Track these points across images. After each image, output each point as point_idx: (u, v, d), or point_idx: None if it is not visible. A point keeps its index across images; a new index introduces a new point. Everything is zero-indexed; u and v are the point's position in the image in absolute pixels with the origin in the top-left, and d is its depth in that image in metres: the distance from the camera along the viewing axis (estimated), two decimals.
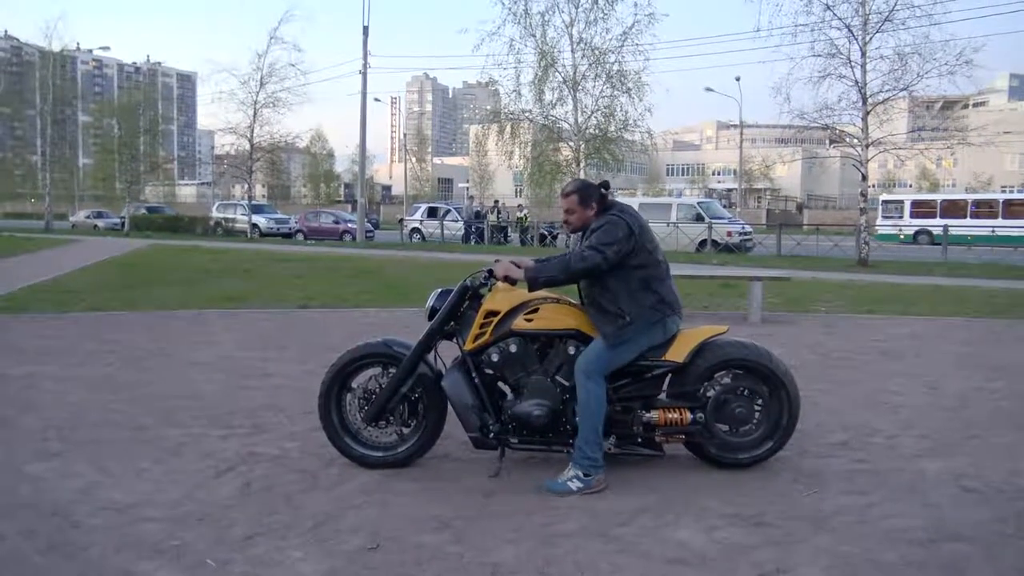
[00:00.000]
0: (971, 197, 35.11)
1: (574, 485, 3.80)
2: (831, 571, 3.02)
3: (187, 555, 3.15)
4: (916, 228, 31.62)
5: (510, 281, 3.94)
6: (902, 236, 30.86)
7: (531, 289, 3.90)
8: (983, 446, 4.61)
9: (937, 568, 3.04)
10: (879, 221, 31.43)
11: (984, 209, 31.54)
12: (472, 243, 29.46)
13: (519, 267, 3.93)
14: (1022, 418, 5.23)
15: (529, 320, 3.96)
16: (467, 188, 72.03)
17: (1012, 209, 30.94)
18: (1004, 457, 4.40)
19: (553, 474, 3.97)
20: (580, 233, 4.16)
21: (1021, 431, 4.91)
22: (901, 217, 32.66)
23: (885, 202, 34.91)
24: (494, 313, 3.97)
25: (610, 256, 3.83)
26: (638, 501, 3.72)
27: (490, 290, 4.05)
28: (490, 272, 4.03)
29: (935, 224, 31.56)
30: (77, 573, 3.00)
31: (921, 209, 33.41)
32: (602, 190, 4.07)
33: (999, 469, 4.20)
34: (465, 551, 3.20)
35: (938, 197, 36.53)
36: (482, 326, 3.98)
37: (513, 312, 3.97)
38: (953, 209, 32.32)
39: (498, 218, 31.52)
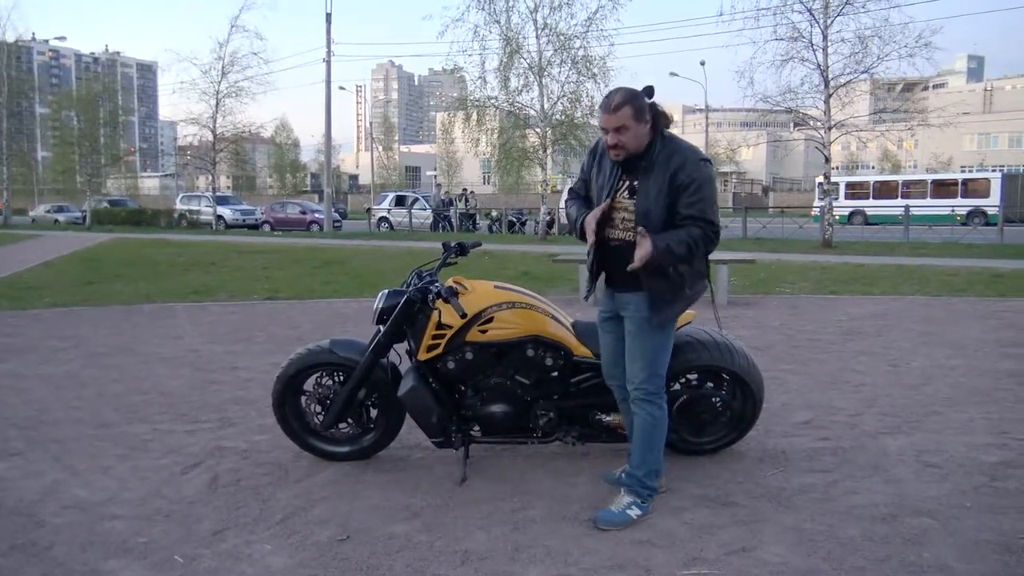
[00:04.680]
0: (902, 178, 36.03)
1: (634, 513, 3.34)
2: (796, 548, 3.08)
3: (154, 552, 3.12)
4: (850, 209, 32.19)
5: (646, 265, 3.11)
6: (837, 217, 31.61)
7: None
8: (943, 422, 4.71)
9: (899, 543, 3.11)
10: (815, 202, 31.92)
11: (914, 189, 32.30)
12: (441, 231, 29.35)
13: (646, 251, 3.08)
14: (981, 394, 5.34)
15: (484, 331, 3.77)
16: (435, 176, 71.73)
17: (939, 189, 31.80)
18: (963, 432, 4.50)
19: (535, 468, 3.96)
20: (616, 169, 3.33)
21: (980, 407, 5.03)
22: (836, 198, 33.35)
23: (820, 184, 35.65)
24: (447, 326, 3.78)
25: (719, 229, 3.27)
26: (606, 485, 3.73)
27: (435, 303, 3.77)
28: (437, 294, 3.73)
29: (868, 205, 32.27)
30: (42, 573, 2.95)
31: (855, 190, 34.10)
32: (645, 97, 3.25)
33: (959, 444, 4.29)
34: (435, 539, 3.21)
35: (871, 179, 37.38)
36: (435, 337, 3.78)
37: (466, 325, 3.79)
38: (885, 190, 33.15)
39: (466, 205, 31.44)
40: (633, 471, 3.44)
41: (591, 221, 3.29)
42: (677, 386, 4.07)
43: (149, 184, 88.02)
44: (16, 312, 9.64)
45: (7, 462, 4.18)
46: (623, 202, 3.33)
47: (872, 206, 32.28)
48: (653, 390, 3.38)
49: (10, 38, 37.50)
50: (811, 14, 18.63)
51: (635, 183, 3.28)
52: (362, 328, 6.86)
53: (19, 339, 7.78)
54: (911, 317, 8.64)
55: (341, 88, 58.18)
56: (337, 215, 34.72)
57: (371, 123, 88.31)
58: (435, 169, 78.30)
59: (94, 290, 11.71)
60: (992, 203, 28.54)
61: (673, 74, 53.14)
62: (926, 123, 20.91)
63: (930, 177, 35.39)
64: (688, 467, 3.97)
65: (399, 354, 4.13)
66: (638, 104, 3.18)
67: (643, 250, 3.08)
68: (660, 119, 3.25)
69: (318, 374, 4.15)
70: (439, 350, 3.81)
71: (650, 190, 3.21)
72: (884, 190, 33.46)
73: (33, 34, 48.20)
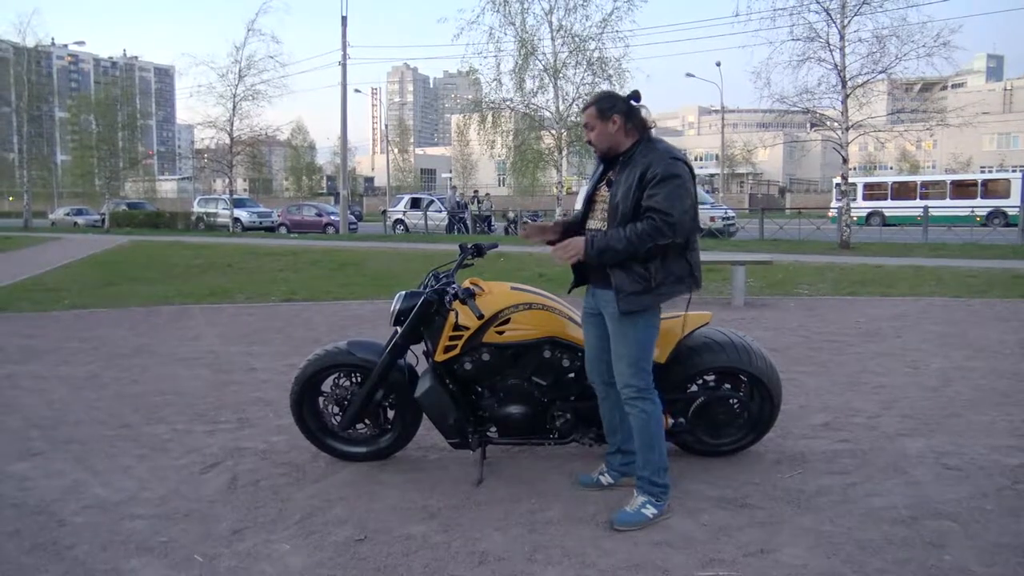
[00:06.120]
0: (920, 179, 35.64)
1: (649, 512, 3.36)
2: (815, 550, 3.06)
3: (174, 551, 3.14)
4: (868, 210, 31.94)
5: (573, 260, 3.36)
6: (855, 218, 31.39)
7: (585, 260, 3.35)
8: (963, 424, 4.67)
9: (920, 545, 3.09)
10: (832, 203, 31.68)
11: (933, 190, 31.99)
12: (456, 233, 29.38)
13: (575, 249, 3.30)
14: (1001, 396, 5.29)
15: (500, 333, 3.77)
16: (450, 178, 71.90)
17: (958, 189, 31.49)
18: (984, 434, 4.46)
19: (552, 470, 3.95)
20: (604, 165, 3.53)
21: (1000, 409, 4.98)
22: (853, 199, 33.11)
23: (838, 185, 35.40)
24: (464, 327, 3.78)
25: (684, 228, 3.21)
26: (621, 488, 3.72)
27: (451, 304, 3.78)
28: (454, 295, 3.75)
29: (887, 206, 31.99)
30: (63, 572, 2.99)
31: (873, 191, 33.82)
32: (631, 102, 3.40)
33: (979, 446, 4.25)
34: (452, 540, 3.21)
35: (889, 179, 37.03)
36: (452, 339, 3.78)
37: (483, 326, 3.76)
38: (904, 191, 32.84)
39: (479, 207, 31.42)
40: (640, 472, 3.44)
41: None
42: (694, 387, 4.06)
43: (167, 187, 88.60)
44: (37, 314, 9.75)
45: (29, 462, 4.23)
46: (603, 194, 3.47)
47: (890, 207, 32.03)
48: (643, 386, 3.38)
49: (30, 43, 37.92)
50: (828, 14, 18.51)
51: (611, 176, 3.45)
52: (379, 330, 6.89)
53: (40, 340, 7.87)
54: (930, 319, 8.57)
55: (356, 91, 58.17)
56: (353, 217, 34.80)
57: (386, 125, 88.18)
58: (450, 171, 78.45)
59: (113, 292, 11.81)
60: (1012, 204, 28.24)
61: (689, 75, 52.97)
62: (945, 123, 20.71)
63: (949, 178, 35.05)
64: (705, 469, 3.96)
65: (416, 355, 4.13)
66: (602, 106, 3.39)
67: (572, 249, 3.31)
68: (641, 123, 3.41)
69: (335, 375, 4.17)
70: (456, 351, 3.81)
71: (621, 185, 3.32)
72: (902, 191, 33.19)
73: (52, 39, 48.72)
